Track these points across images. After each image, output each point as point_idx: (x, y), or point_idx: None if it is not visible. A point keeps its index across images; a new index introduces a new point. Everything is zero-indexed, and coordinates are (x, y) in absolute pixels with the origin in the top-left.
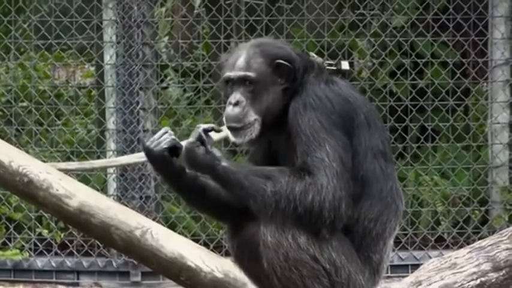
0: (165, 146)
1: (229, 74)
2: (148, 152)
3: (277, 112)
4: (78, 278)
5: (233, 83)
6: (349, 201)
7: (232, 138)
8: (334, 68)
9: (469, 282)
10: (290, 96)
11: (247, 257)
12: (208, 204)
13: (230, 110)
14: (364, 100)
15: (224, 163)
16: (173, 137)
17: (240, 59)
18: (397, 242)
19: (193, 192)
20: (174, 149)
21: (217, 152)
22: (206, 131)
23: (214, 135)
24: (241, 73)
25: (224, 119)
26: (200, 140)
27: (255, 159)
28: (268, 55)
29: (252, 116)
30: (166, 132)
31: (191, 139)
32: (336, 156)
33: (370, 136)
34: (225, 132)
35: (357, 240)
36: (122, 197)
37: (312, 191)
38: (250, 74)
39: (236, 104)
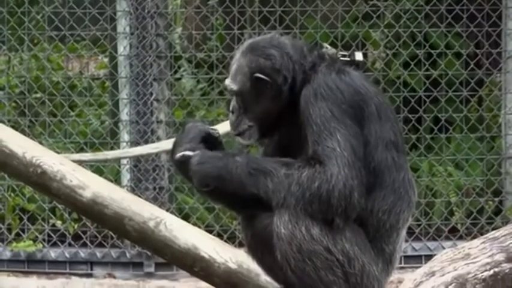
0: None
1: (225, 83)
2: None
3: (276, 113)
4: (91, 269)
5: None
6: (362, 190)
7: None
8: (348, 59)
9: (482, 272)
10: (298, 89)
11: (261, 248)
12: (221, 193)
13: (230, 116)
14: (377, 91)
15: (237, 152)
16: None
17: (232, 68)
18: (410, 232)
19: None
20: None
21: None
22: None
23: (222, 128)
24: (228, 85)
25: None
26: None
27: (267, 153)
28: (250, 67)
29: (246, 124)
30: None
31: (188, 152)
32: (347, 145)
33: (381, 127)
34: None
35: (371, 232)
36: (136, 188)
37: (320, 179)
38: (234, 87)
39: (232, 111)
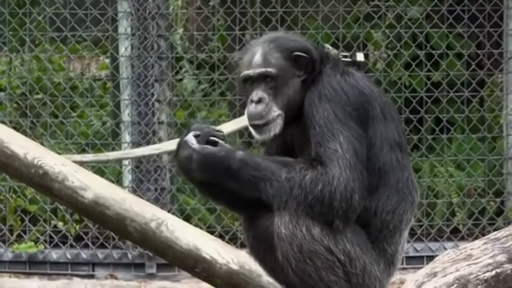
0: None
1: (248, 72)
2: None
3: (298, 104)
4: (93, 270)
5: (253, 81)
6: (363, 192)
7: (255, 136)
8: (349, 59)
9: (484, 273)
10: (307, 87)
11: (262, 249)
12: (223, 194)
13: (253, 107)
14: (380, 92)
15: (240, 151)
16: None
17: (257, 56)
18: (412, 233)
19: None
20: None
21: (227, 145)
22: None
23: (225, 129)
24: (261, 70)
25: (246, 117)
26: (209, 140)
27: (270, 152)
28: (284, 49)
29: (276, 112)
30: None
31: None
32: (350, 148)
33: (386, 128)
34: (236, 125)
35: (374, 233)
36: (137, 189)
37: (322, 181)
38: (270, 69)
39: (259, 101)
